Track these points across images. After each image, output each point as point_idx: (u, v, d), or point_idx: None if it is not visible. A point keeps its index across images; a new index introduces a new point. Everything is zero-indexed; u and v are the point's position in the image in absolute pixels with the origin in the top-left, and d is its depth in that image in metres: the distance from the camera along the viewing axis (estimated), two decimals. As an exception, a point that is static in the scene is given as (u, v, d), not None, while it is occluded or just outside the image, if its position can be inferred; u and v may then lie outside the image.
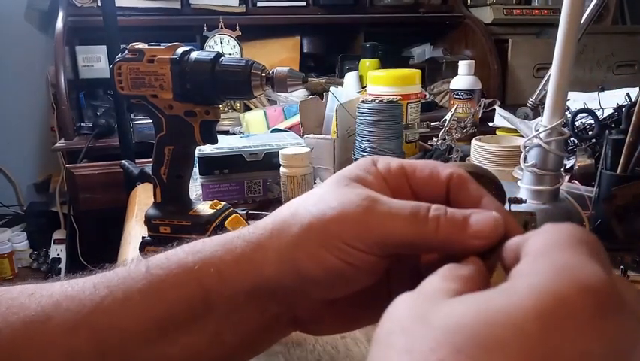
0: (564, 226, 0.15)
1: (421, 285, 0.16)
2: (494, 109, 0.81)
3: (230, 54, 1.25)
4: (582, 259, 0.14)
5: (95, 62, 1.27)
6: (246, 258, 0.21)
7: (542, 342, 0.12)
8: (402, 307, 0.15)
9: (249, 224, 0.43)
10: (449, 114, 0.70)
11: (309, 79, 0.87)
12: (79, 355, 0.20)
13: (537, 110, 0.81)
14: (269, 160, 0.62)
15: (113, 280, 0.22)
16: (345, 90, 0.83)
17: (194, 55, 0.42)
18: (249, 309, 0.21)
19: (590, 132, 0.59)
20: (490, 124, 0.86)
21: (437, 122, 0.75)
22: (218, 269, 0.21)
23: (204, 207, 0.46)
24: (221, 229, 0.45)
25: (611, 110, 0.61)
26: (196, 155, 0.57)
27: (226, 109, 1.24)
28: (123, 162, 0.75)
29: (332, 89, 0.73)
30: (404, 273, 0.22)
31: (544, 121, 0.44)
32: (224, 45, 1.27)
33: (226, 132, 1.09)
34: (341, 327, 0.25)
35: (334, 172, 0.80)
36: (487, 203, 0.20)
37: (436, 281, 0.16)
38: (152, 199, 0.47)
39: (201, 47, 1.26)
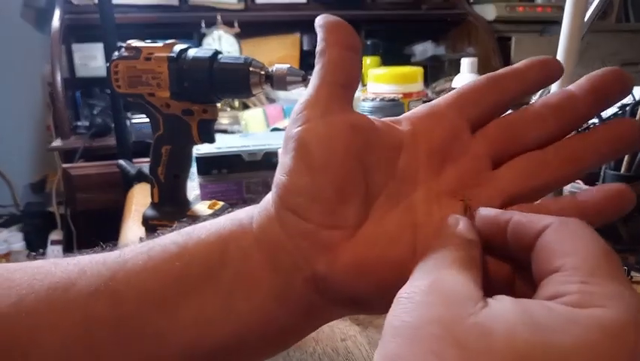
0: (592, 235, 0.15)
1: (431, 268, 0.15)
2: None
3: (228, 52, 1.24)
4: (631, 291, 0.13)
5: (91, 60, 1.26)
6: (256, 207, 0.21)
7: None
8: (437, 303, 0.14)
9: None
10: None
11: (309, 77, 0.86)
12: (96, 320, 0.20)
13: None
14: (268, 160, 0.61)
15: (139, 245, 0.22)
16: (345, 88, 0.82)
17: (191, 52, 0.42)
18: (260, 263, 0.20)
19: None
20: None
21: (438, 121, 0.74)
22: (237, 218, 0.21)
23: (202, 208, 0.46)
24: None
25: (615, 109, 0.61)
26: (194, 154, 0.56)
27: (224, 107, 1.23)
28: (120, 161, 0.75)
29: (332, 87, 0.72)
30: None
31: (548, 120, 0.43)
32: (222, 42, 1.26)
33: (224, 131, 1.08)
34: (372, 272, 0.19)
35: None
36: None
37: (453, 267, 0.15)
38: (150, 199, 0.46)
39: (199, 45, 1.25)
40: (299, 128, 0.20)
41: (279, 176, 0.20)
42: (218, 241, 0.21)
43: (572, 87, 0.20)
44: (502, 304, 0.13)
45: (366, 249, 0.19)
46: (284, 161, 0.20)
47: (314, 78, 0.21)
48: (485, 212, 0.18)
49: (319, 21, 0.22)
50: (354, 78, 0.21)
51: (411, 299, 0.14)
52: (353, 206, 0.19)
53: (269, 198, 0.21)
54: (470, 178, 0.20)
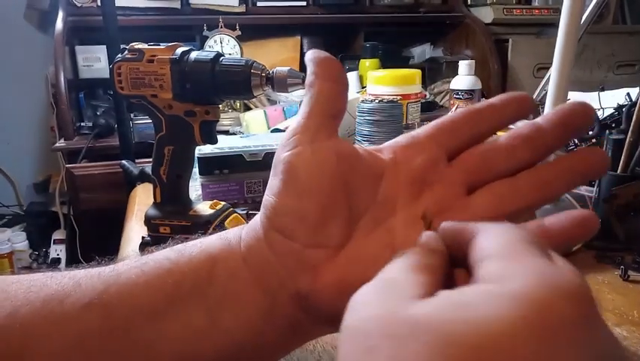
0: (511, 230, 0.16)
1: (384, 273, 0.16)
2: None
3: (230, 54, 1.25)
4: (549, 263, 0.14)
5: (94, 61, 1.26)
6: (244, 228, 0.23)
7: (535, 354, 0.12)
8: (375, 302, 0.14)
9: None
10: (449, 114, 0.70)
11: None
12: (88, 331, 0.21)
13: (537, 110, 0.81)
14: (269, 160, 0.61)
15: (134, 259, 0.23)
16: (345, 90, 0.83)
17: (193, 55, 0.42)
18: (247, 282, 0.21)
19: (590, 132, 0.59)
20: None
21: (437, 122, 0.74)
22: (226, 237, 0.23)
23: (204, 208, 0.46)
24: (220, 229, 0.44)
25: (611, 110, 0.61)
26: (196, 155, 0.57)
27: (226, 109, 1.23)
28: (123, 162, 0.75)
29: (332, 88, 0.73)
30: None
31: (544, 121, 0.44)
32: (224, 45, 1.26)
33: (226, 132, 1.09)
34: (347, 284, 0.21)
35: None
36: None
37: (404, 271, 0.16)
38: (152, 199, 0.47)
39: (201, 47, 1.26)
40: (288, 153, 0.21)
41: (268, 197, 0.21)
42: (207, 259, 0.22)
43: (540, 120, 0.22)
44: (436, 297, 0.14)
45: (347, 269, 0.20)
46: (273, 183, 0.21)
47: (304, 107, 0.22)
48: (443, 225, 0.18)
49: (309, 55, 0.23)
50: (340, 109, 0.23)
51: (354, 304, 0.15)
52: (337, 228, 0.21)
53: (257, 220, 0.22)
54: (446, 204, 0.21)
